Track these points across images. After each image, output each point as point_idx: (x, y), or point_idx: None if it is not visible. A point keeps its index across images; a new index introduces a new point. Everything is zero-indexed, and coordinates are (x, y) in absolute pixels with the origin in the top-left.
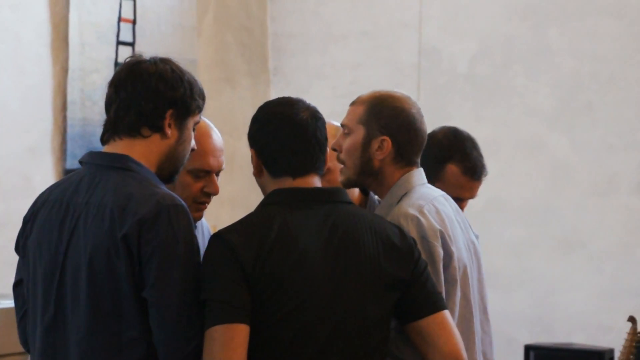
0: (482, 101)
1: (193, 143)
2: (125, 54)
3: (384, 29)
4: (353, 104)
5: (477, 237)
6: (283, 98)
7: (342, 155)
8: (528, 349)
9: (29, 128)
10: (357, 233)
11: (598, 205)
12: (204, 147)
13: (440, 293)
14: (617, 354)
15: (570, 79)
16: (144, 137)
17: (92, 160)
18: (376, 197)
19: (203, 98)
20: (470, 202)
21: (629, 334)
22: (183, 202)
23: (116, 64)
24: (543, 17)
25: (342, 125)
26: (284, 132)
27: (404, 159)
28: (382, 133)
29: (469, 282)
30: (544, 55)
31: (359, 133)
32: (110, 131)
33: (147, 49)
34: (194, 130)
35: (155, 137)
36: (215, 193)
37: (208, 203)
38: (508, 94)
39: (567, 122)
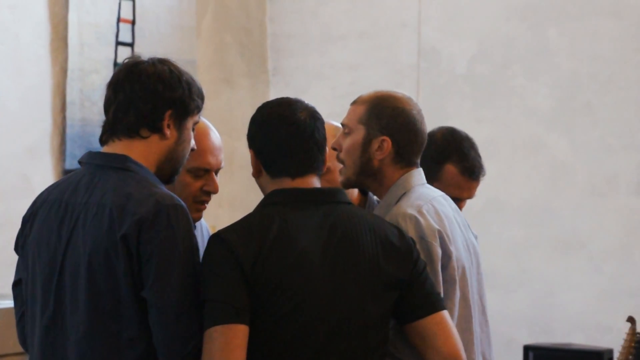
0: (481, 102)
1: (193, 143)
2: (124, 54)
3: (383, 30)
4: (354, 103)
5: (476, 237)
6: (282, 98)
7: (342, 155)
8: (527, 349)
9: (28, 128)
10: (356, 233)
11: (597, 205)
12: (203, 145)
13: (439, 293)
14: (616, 354)
15: (570, 80)
16: (143, 137)
17: (91, 160)
18: (375, 197)
19: (202, 98)
20: (470, 202)
21: (627, 334)
22: (182, 202)
23: (115, 64)
24: (542, 18)
25: (342, 124)
26: (283, 132)
27: (404, 160)
28: (382, 133)
29: (468, 282)
30: (543, 55)
31: (359, 133)
32: (109, 132)
33: (146, 50)
34: (193, 130)
35: (154, 138)
36: (215, 191)
37: (208, 202)
38: (507, 94)
39: (566, 123)
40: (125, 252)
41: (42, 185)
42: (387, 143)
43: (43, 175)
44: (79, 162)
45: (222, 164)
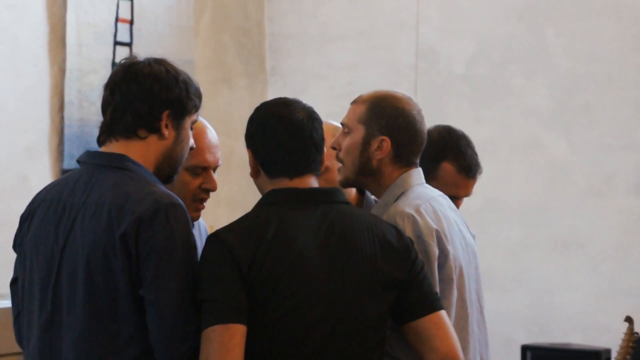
0: (480, 102)
1: (192, 142)
2: (122, 54)
3: (382, 30)
4: (354, 102)
5: (474, 237)
6: (280, 98)
7: (341, 154)
8: (525, 349)
9: (26, 128)
10: (354, 233)
11: (595, 205)
12: (200, 143)
13: (437, 293)
14: (613, 354)
15: (568, 80)
16: (141, 138)
17: (89, 159)
18: (372, 197)
19: (199, 97)
20: (468, 202)
21: (625, 334)
22: (181, 201)
23: (113, 64)
24: (540, 18)
25: (342, 124)
26: (281, 132)
27: (403, 160)
28: (381, 133)
29: (466, 282)
30: (541, 55)
31: (359, 132)
32: (107, 133)
33: (145, 50)
34: (191, 129)
35: (153, 138)
36: (214, 189)
37: (206, 200)
38: (505, 94)
39: (564, 123)
40: (124, 250)
41: (40, 185)
42: (387, 143)
43: (41, 175)
44: (78, 162)
45: (220, 162)
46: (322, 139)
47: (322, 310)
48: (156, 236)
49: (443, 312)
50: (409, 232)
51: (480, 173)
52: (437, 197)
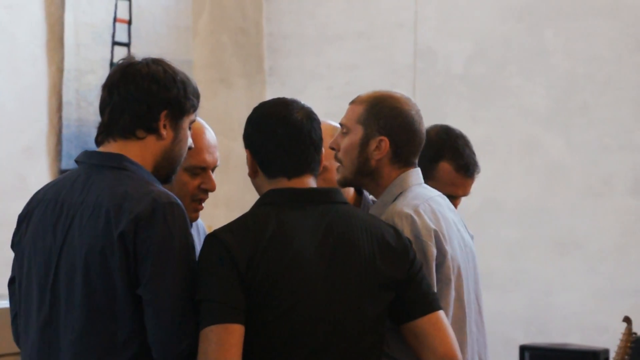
0: (478, 102)
1: (190, 142)
2: (120, 54)
3: (380, 30)
4: (352, 103)
5: (472, 237)
6: (278, 99)
7: (340, 155)
8: (523, 349)
9: (24, 128)
10: (352, 233)
11: (593, 206)
12: (199, 144)
13: (435, 293)
14: (612, 355)
15: (566, 80)
16: (139, 138)
17: (87, 159)
18: (370, 197)
19: (197, 97)
20: (466, 202)
21: (623, 334)
22: (179, 200)
23: (112, 64)
24: (538, 18)
25: (340, 124)
26: (279, 132)
27: (402, 160)
28: (380, 133)
29: (464, 282)
30: (539, 56)
31: (358, 133)
32: (105, 133)
33: (143, 50)
34: (189, 129)
35: (151, 139)
36: (213, 189)
37: (205, 200)
38: (503, 94)
39: (562, 123)
40: (122, 250)
41: (38, 186)
42: (385, 143)
43: (39, 176)
44: (75, 161)
45: (218, 162)
46: (321, 139)
47: (320, 310)
48: (154, 235)
49: (441, 313)
50: (407, 232)
51: (478, 173)
52: (435, 197)
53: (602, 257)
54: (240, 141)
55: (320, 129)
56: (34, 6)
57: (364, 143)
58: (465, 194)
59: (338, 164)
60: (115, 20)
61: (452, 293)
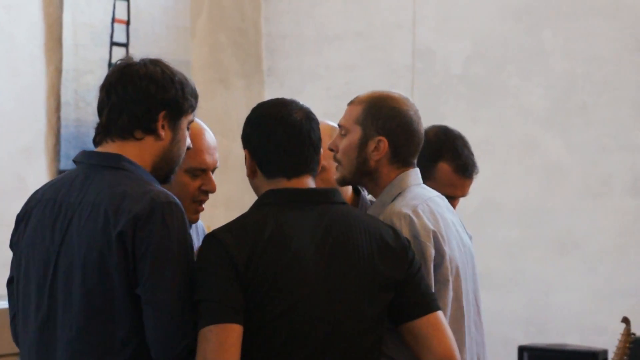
0: (477, 102)
1: (188, 142)
2: (119, 54)
3: (378, 30)
4: (351, 103)
5: (470, 237)
6: (277, 99)
7: (339, 156)
8: (522, 349)
9: (22, 129)
10: (351, 233)
11: (592, 206)
12: (199, 145)
13: (434, 294)
14: (610, 355)
15: (564, 80)
16: (137, 139)
17: (85, 159)
18: (369, 197)
19: (195, 97)
20: (464, 202)
21: (622, 334)
22: (177, 200)
23: (110, 64)
24: (537, 18)
25: (339, 125)
26: (278, 132)
27: (400, 160)
28: (379, 133)
29: (462, 283)
30: (538, 56)
31: (356, 133)
32: (103, 134)
33: (141, 50)
34: (188, 129)
35: (149, 139)
36: (213, 190)
37: (205, 201)
38: (502, 94)
39: (561, 123)
40: (121, 249)
41: (36, 186)
42: (384, 143)
43: (38, 176)
44: (74, 162)
45: (218, 163)
46: (320, 140)
47: (319, 310)
48: (153, 234)
49: (440, 313)
50: (405, 232)
51: (476, 173)
52: (434, 198)
53: (601, 258)
54: (239, 141)
55: (319, 129)
56: (33, 6)
57: (363, 143)
58: (464, 194)
59: (337, 164)
60: (113, 20)
61: (451, 294)
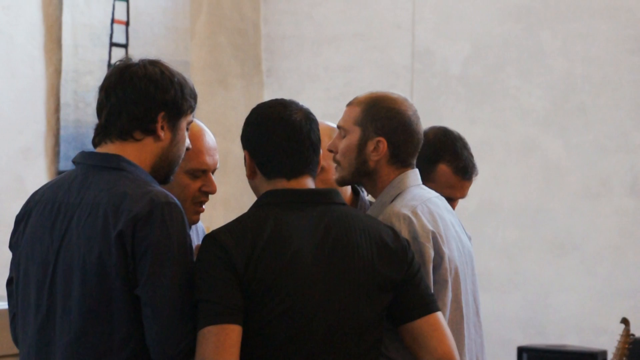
0: (475, 103)
1: (188, 142)
2: (118, 55)
3: (377, 31)
4: (350, 104)
5: (470, 238)
6: (276, 100)
7: (338, 157)
8: (521, 350)
9: (22, 130)
10: (350, 234)
11: (591, 207)
12: (199, 146)
13: (433, 294)
14: (610, 356)
15: (563, 81)
16: (137, 140)
17: (84, 160)
18: (368, 197)
19: (195, 98)
20: (463, 203)
21: (621, 335)
22: (177, 200)
23: (109, 65)
24: (536, 19)
25: (338, 127)
26: (278, 133)
27: (400, 160)
28: (378, 134)
29: (461, 283)
30: (536, 57)
31: (355, 134)
32: (102, 134)
33: (141, 51)
34: (187, 130)
35: (149, 140)
36: (213, 191)
37: (205, 202)
38: (501, 95)
39: (560, 124)
40: (121, 249)
41: (36, 187)
42: (383, 144)
43: (37, 177)
44: (73, 162)
45: (218, 164)
46: (319, 140)
47: (318, 311)
48: (152, 235)
49: (439, 314)
50: (404, 233)
51: (476, 174)
52: (433, 199)
53: (600, 258)
54: (238, 142)
55: (318, 129)
56: (32, 7)
57: (362, 144)
58: (463, 196)
59: (336, 165)
60: (112, 21)
61: (450, 294)
